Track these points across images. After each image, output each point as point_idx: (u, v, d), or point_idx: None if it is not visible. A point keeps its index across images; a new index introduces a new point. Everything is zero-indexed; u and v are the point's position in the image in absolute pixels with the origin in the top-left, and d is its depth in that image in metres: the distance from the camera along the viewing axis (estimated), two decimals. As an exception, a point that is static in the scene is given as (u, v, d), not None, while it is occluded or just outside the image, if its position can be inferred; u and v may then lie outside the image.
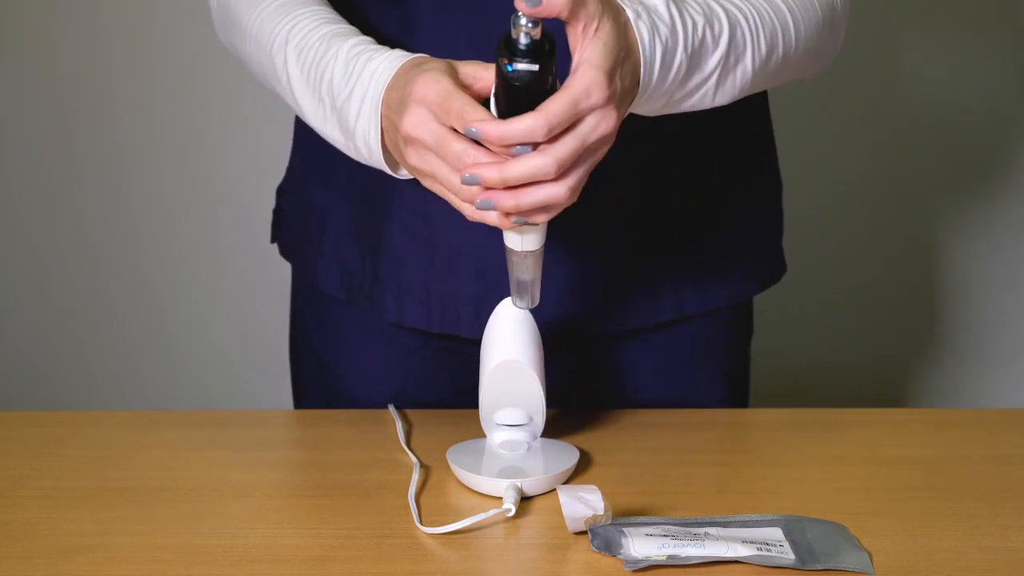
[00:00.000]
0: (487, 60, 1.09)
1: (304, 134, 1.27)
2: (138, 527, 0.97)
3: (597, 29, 0.90)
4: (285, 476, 1.10)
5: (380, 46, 1.01)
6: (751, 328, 1.33)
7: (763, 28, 1.02)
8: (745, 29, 1.01)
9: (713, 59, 0.99)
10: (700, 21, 0.97)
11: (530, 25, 0.86)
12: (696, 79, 0.99)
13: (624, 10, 0.94)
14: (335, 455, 1.11)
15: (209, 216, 2.09)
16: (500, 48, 0.87)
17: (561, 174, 0.90)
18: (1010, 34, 2.05)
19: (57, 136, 2.06)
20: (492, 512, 0.96)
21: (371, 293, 1.20)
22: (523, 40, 0.86)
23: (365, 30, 1.10)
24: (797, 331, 2.14)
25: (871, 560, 0.92)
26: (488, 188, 0.91)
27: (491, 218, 0.93)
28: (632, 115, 0.99)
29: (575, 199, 0.93)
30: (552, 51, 0.87)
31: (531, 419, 1.07)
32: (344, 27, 1.04)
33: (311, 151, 1.25)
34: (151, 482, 1.05)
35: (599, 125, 0.91)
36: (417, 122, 0.92)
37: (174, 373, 2.16)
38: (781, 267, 1.30)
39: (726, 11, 1.00)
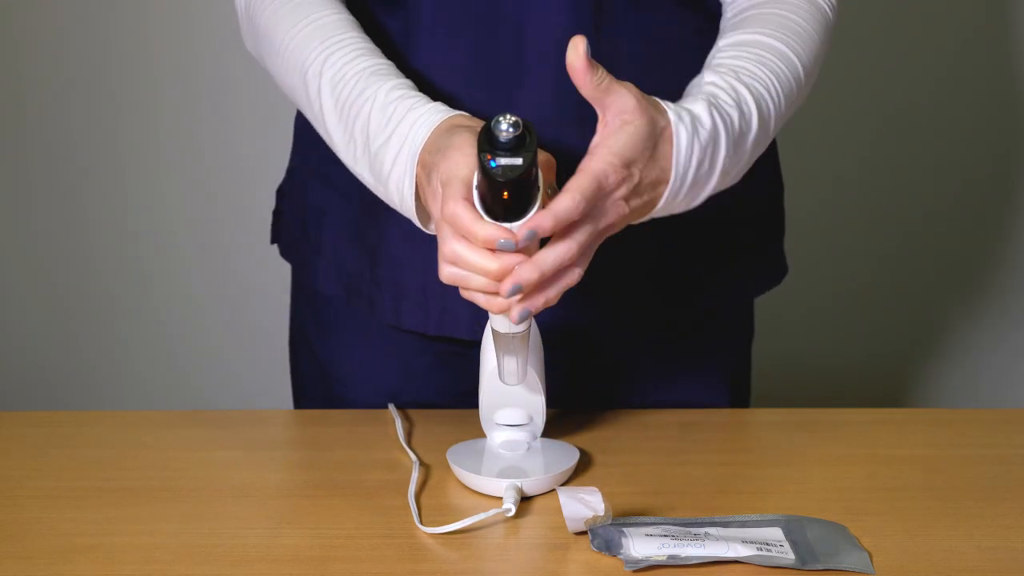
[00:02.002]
0: (486, 63, 1.09)
1: (304, 135, 1.27)
2: (138, 527, 0.97)
3: (628, 123, 0.91)
4: (285, 476, 1.10)
5: (419, 93, 1.01)
6: (752, 329, 1.33)
7: (782, 90, 1.03)
8: (769, 102, 1.02)
9: (748, 144, 1.00)
10: (735, 115, 0.98)
11: (511, 120, 0.86)
12: (734, 169, 1.00)
13: (667, 112, 0.94)
14: (335, 455, 1.11)
15: (209, 216, 2.09)
16: (481, 143, 0.87)
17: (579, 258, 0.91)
18: (1011, 32, 2.05)
19: (57, 136, 2.06)
20: (492, 512, 0.96)
21: (370, 294, 1.20)
22: (504, 135, 0.86)
23: (370, 30, 1.10)
24: (797, 331, 2.14)
25: (871, 560, 0.92)
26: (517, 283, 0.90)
27: (497, 305, 0.92)
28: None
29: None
30: (533, 143, 0.87)
31: (531, 419, 1.07)
32: (382, 63, 1.04)
33: (311, 152, 1.25)
34: (151, 482, 1.05)
35: (608, 213, 0.91)
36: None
37: (174, 373, 2.15)
38: (782, 269, 1.30)
39: (750, 90, 1.00)
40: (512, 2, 1.09)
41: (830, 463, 1.09)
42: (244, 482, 1.05)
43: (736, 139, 0.98)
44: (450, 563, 0.93)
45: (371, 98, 1.00)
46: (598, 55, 1.10)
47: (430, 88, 1.08)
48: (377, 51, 1.06)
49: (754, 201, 1.25)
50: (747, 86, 1.00)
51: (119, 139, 2.06)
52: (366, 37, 1.07)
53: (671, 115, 0.94)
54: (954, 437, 1.15)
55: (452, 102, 1.02)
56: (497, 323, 0.97)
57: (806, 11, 1.08)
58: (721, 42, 1.06)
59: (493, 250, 0.89)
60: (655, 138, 0.93)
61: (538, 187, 0.89)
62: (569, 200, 0.88)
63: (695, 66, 1.06)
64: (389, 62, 1.05)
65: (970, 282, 2.15)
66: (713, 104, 0.97)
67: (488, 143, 0.86)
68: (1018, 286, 2.15)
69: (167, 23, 2.02)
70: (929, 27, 2.04)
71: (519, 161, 0.86)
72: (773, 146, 1.27)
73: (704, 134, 0.95)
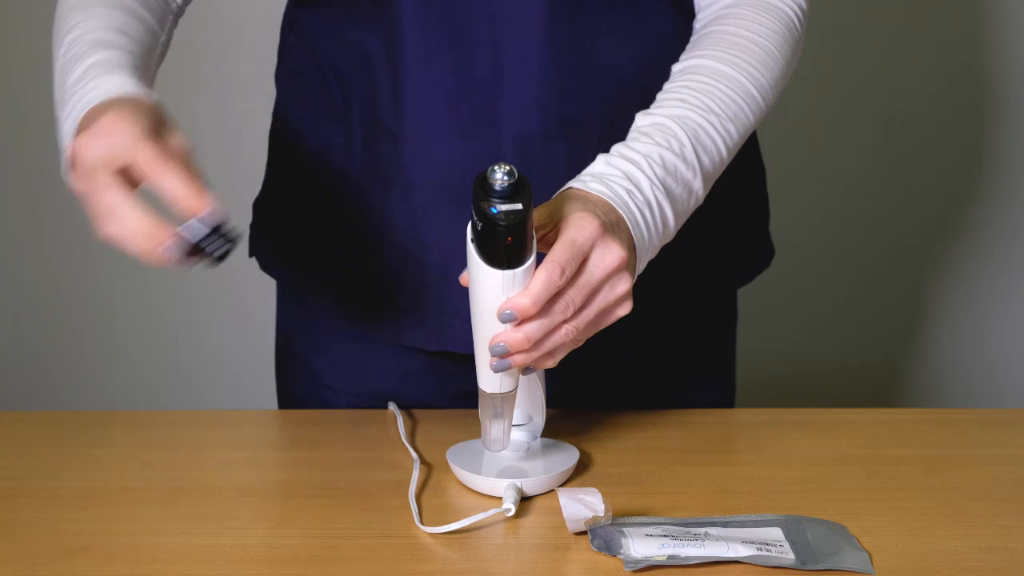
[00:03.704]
0: (468, 63, 1.09)
1: (279, 150, 1.26)
2: (138, 527, 0.97)
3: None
4: (285, 476, 1.10)
5: (124, 68, 1.02)
6: (736, 314, 1.34)
7: (732, 121, 1.04)
8: (715, 138, 1.03)
9: (696, 185, 1.02)
10: (687, 172, 1.00)
11: (505, 169, 0.87)
12: (687, 205, 1.03)
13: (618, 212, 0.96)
14: (335, 455, 1.11)
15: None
16: (478, 193, 0.88)
17: (572, 316, 0.93)
18: (1008, 30, 2.05)
19: (55, 137, 2.05)
20: (492, 512, 0.96)
21: (368, 312, 1.19)
22: (500, 183, 0.87)
23: (348, 43, 1.10)
24: (795, 332, 2.14)
25: (871, 560, 0.92)
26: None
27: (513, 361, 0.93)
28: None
29: (580, 342, 0.95)
30: (528, 187, 0.88)
31: (531, 419, 1.07)
32: (116, 37, 1.04)
33: (286, 168, 1.25)
34: (151, 482, 1.05)
35: (604, 257, 0.92)
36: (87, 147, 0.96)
37: (174, 373, 2.16)
38: (770, 252, 1.30)
39: (692, 138, 1.02)
40: (486, 2, 1.09)
41: (830, 463, 1.09)
42: (244, 482, 1.05)
43: (686, 202, 1.02)
44: (450, 563, 0.93)
45: (85, 57, 1.02)
46: (575, 52, 1.10)
47: (419, 107, 1.09)
48: (128, 28, 1.06)
49: (736, 187, 1.24)
50: (687, 129, 1.01)
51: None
52: (127, 14, 1.08)
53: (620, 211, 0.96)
54: (954, 437, 1.15)
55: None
56: (485, 383, 0.97)
57: (767, 26, 1.08)
58: (676, 67, 1.07)
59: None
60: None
61: (532, 233, 0.90)
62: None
63: (673, 63, 1.07)
64: (128, 38, 1.06)
65: (967, 280, 2.15)
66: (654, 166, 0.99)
67: (484, 192, 0.88)
68: (1014, 283, 2.15)
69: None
70: (928, 23, 2.04)
71: (519, 206, 0.88)
72: (753, 136, 1.26)
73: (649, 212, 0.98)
